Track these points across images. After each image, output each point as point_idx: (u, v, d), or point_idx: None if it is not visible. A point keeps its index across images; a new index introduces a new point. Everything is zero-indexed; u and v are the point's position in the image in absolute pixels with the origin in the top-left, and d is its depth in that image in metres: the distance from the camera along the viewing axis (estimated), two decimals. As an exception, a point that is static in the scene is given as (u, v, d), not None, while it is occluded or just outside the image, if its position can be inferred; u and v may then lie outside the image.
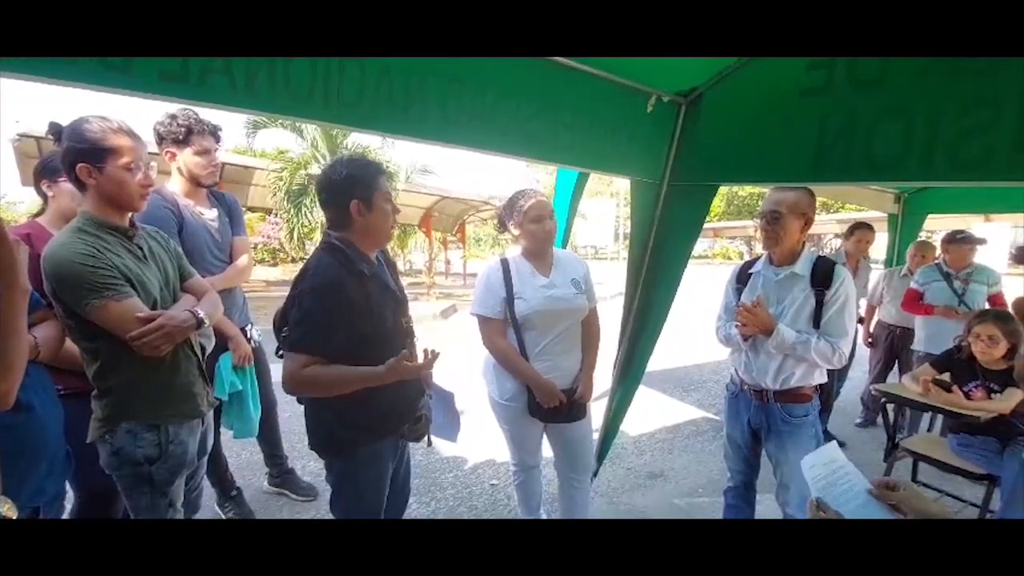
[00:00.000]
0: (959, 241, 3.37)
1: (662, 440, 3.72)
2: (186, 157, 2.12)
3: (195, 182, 2.17)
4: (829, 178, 1.81)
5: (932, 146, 1.55)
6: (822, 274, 1.82)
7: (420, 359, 1.45)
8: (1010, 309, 2.83)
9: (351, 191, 1.45)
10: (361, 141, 10.54)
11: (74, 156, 1.35)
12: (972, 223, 8.52)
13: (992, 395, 2.50)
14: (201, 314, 1.52)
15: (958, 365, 2.66)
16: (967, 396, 2.54)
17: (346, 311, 1.41)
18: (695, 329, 5.77)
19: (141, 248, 1.50)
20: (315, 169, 10.10)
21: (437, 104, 1.61)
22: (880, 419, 3.73)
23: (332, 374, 1.43)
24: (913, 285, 3.51)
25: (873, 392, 3.16)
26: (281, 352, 1.55)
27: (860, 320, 3.88)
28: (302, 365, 1.41)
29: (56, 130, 1.38)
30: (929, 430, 3.50)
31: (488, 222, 18.40)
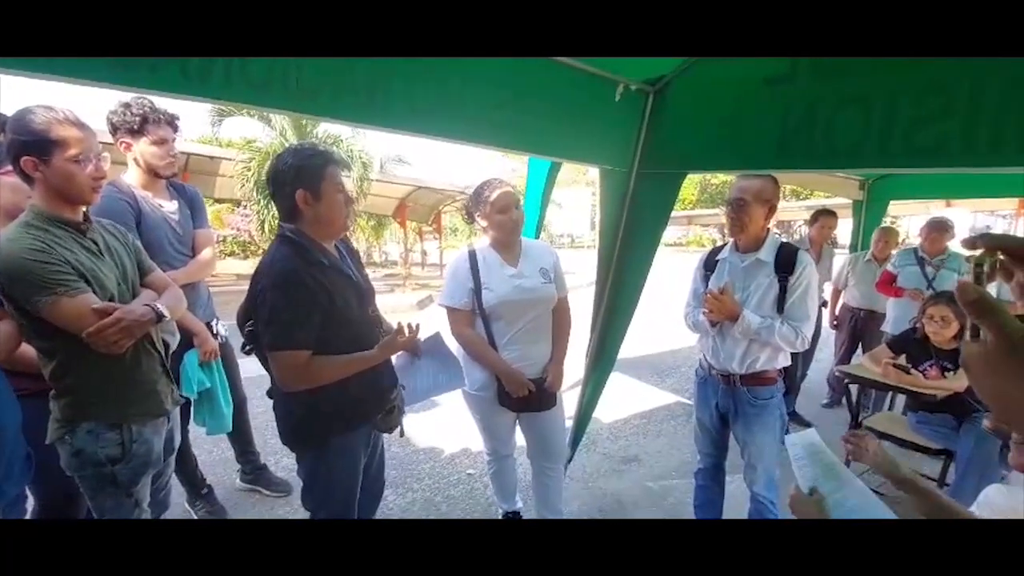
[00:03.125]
0: (935, 227, 3.48)
1: (637, 425, 3.78)
2: (142, 147, 2.04)
3: (153, 173, 2.09)
4: (793, 165, 1.84)
5: (889, 133, 1.59)
6: (785, 260, 1.86)
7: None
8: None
9: (296, 181, 1.42)
10: (332, 130, 10.33)
11: (18, 149, 1.29)
12: (932, 208, 8.80)
13: (945, 373, 2.61)
14: (160, 308, 1.47)
15: (913, 345, 2.77)
16: (923, 376, 2.65)
17: (310, 301, 1.41)
18: (669, 316, 5.85)
19: (96, 243, 1.45)
20: (285, 159, 9.87)
21: (403, 91, 1.58)
22: (845, 399, 3.87)
23: (326, 367, 1.45)
24: (889, 267, 3.63)
25: (837, 373, 3.26)
26: (248, 348, 1.53)
27: (824, 304, 3.99)
28: (288, 363, 1.41)
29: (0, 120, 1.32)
30: (890, 408, 3.63)
31: (464, 212, 18.25)
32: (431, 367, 1.81)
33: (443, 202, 14.33)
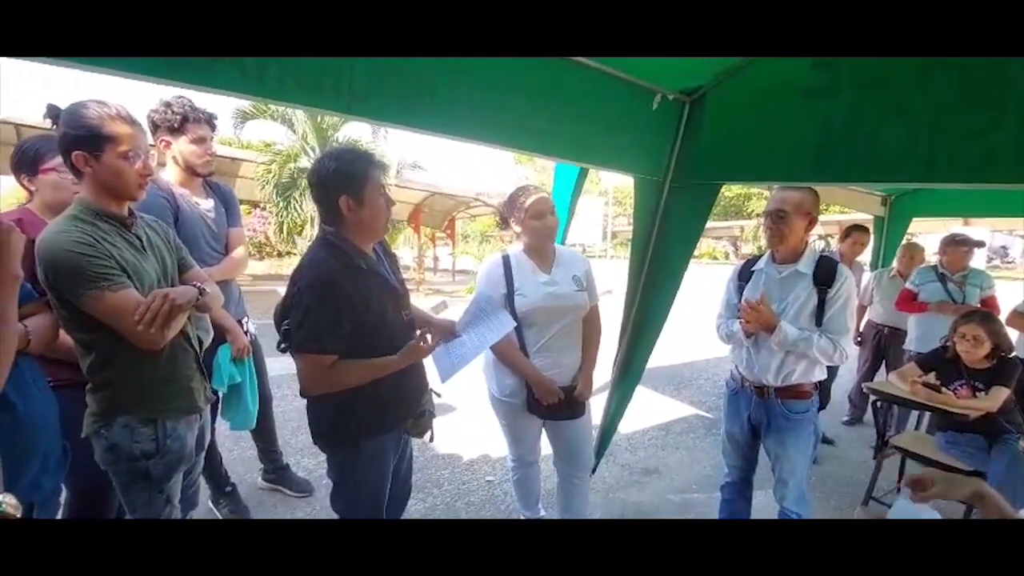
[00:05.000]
0: (957, 243, 3.42)
1: (655, 437, 3.75)
2: (181, 146, 2.07)
3: (191, 171, 2.13)
4: (832, 178, 1.83)
5: (935, 147, 1.57)
6: (825, 273, 1.85)
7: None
8: (1003, 319, 2.87)
9: (339, 187, 1.41)
10: (352, 134, 10.43)
11: (70, 143, 1.30)
12: (951, 226, 8.71)
13: (977, 393, 2.56)
14: (202, 285, 1.48)
15: (943, 364, 2.72)
16: (954, 395, 2.60)
17: (345, 306, 1.40)
18: (686, 327, 5.82)
19: (139, 238, 1.46)
20: (304, 162, 9.98)
21: (445, 96, 1.60)
22: (866, 416, 3.80)
23: (348, 372, 1.44)
24: (908, 285, 3.56)
25: (864, 390, 3.21)
26: (283, 346, 1.53)
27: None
28: (314, 365, 1.41)
29: (54, 113, 1.34)
30: (916, 428, 3.57)
31: (477, 219, 18.35)
32: (473, 327, 1.72)
33: (457, 208, 14.39)
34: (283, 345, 1.54)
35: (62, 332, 1.45)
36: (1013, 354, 2.61)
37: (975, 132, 1.50)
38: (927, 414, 3.20)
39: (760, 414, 1.97)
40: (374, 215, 1.47)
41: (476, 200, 13.46)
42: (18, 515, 0.90)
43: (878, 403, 3.00)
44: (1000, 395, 2.47)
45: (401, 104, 1.51)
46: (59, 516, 1.73)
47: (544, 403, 1.96)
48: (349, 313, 1.41)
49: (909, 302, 3.53)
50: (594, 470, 2.78)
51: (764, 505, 2.26)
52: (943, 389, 2.62)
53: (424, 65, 1.52)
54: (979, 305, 3.30)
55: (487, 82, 1.69)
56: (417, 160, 12.61)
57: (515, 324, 1.78)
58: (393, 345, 1.54)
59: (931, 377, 2.73)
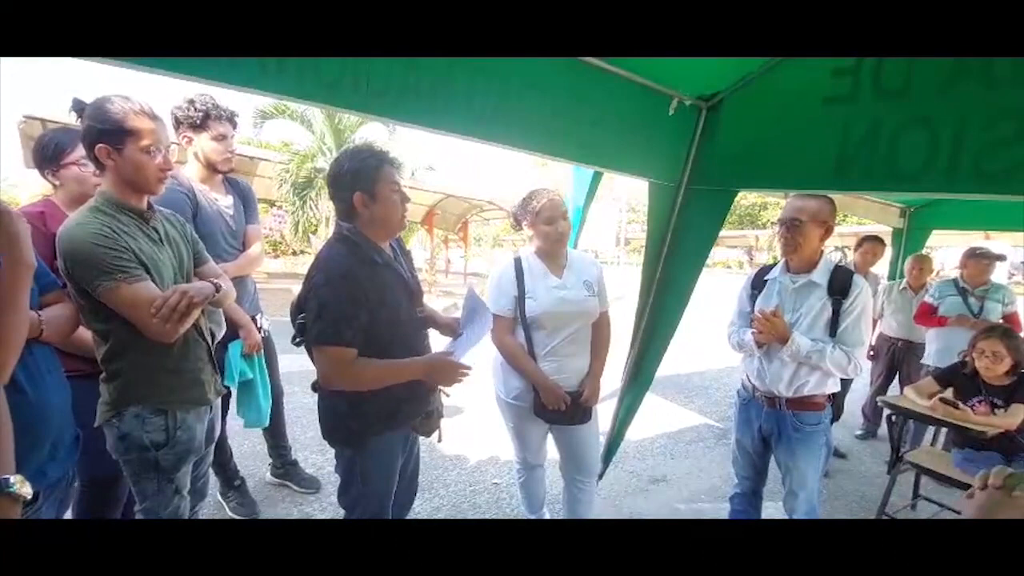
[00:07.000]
0: (978, 257, 3.36)
1: (664, 445, 3.72)
2: (203, 142, 2.11)
3: (211, 168, 2.16)
4: (851, 186, 1.80)
5: (957, 158, 1.54)
6: (840, 283, 1.82)
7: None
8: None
9: (353, 184, 1.45)
10: (368, 135, 10.53)
11: (94, 136, 1.33)
12: (972, 240, 8.52)
13: (995, 410, 2.50)
14: (218, 282, 1.51)
15: (961, 380, 2.66)
16: (972, 411, 2.55)
17: (361, 298, 1.42)
18: (698, 336, 5.78)
19: (157, 231, 1.49)
20: (321, 162, 10.10)
21: (463, 96, 1.61)
22: (880, 431, 3.74)
23: (369, 371, 1.45)
24: (928, 299, 3.50)
25: (879, 404, 3.16)
26: (298, 341, 1.55)
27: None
28: (333, 359, 1.42)
29: (79, 107, 1.37)
30: (932, 443, 3.50)
31: (490, 222, 18.38)
32: (468, 324, 1.72)
33: (470, 212, 14.43)
34: (298, 339, 1.56)
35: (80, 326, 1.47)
36: (1033, 371, 2.55)
37: (999, 143, 1.47)
38: (943, 430, 3.13)
39: (771, 425, 1.95)
40: (388, 210, 1.50)
41: (490, 204, 13.49)
42: (29, 497, 0.91)
43: (893, 417, 2.95)
44: (1020, 413, 2.41)
45: (418, 103, 1.52)
46: (70, 505, 1.76)
47: (549, 408, 1.95)
48: (365, 306, 1.43)
49: (928, 316, 3.46)
50: (601, 476, 2.76)
51: (774, 517, 2.23)
52: (960, 405, 2.57)
53: (441, 65, 1.54)
54: (1000, 320, 3.23)
55: (504, 83, 1.69)
56: (432, 163, 12.70)
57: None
58: (406, 341, 1.55)
59: (949, 392, 2.68)
